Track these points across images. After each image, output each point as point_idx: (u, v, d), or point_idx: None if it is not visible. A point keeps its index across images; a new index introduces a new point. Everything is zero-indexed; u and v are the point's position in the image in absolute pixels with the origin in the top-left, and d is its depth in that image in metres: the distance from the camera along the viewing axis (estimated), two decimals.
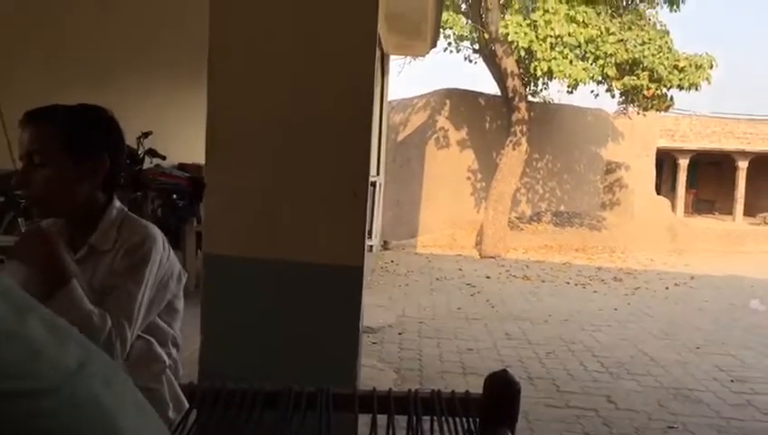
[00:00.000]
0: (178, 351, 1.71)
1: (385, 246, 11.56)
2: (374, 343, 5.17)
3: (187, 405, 1.66)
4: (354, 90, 2.47)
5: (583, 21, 10.55)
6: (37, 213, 1.63)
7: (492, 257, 11.19)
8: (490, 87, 14.07)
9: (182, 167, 6.99)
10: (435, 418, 1.75)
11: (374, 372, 4.29)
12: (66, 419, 0.80)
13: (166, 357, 1.60)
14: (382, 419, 1.73)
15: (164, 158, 6.30)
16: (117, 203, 1.63)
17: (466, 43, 13.15)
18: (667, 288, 8.87)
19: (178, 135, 6.97)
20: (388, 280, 8.32)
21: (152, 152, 6.11)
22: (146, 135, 6.05)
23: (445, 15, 10.51)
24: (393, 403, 1.76)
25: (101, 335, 1.43)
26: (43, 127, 1.54)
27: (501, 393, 1.75)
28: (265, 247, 2.45)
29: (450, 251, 11.95)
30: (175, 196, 6.42)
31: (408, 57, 12.37)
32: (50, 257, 1.45)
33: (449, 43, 12.97)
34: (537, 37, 10.51)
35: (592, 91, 11.95)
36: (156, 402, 1.58)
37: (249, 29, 2.46)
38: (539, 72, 10.83)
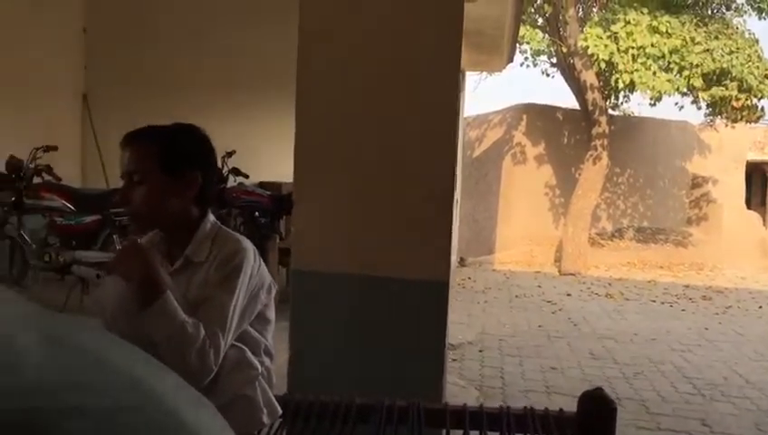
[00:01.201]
0: (271, 360, 1.75)
1: (462, 262, 11.50)
2: (454, 359, 5.14)
3: (280, 411, 1.70)
4: (439, 106, 2.49)
5: (667, 31, 10.27)
6: (137, 228, 1.72)
7: (572, 274, 10.95)
8: (568, 101, 13.84)
9: (263, 185, 7.18)
10: None
11: (456, 389, 4.26)
12: None
13: (258, 365, 1.65)
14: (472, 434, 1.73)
15: (247, 176, 6.49)
16: (211, 217, 1.71)
17: (543, 58, 13.01)
18: (760, 307, 8.46)
19: (260, 155, 7.18)
20: (466, 297, 8.26)
21: (236, 171, 6.31)
22: (230, 154, 6.25)
23: (522, 30, 10.43)
24: (486, 419, 1.75)
25: (195, 344, 1.50)
26: (141, 147, 1.64)
27: (596, 412, 1.72)
28: (352, 263, 2.49)
29: (528, 268, 11.76)
30: (257, 213, 6.58)
31: (484, 73, 12.34)
32: (145, 271, 1.53)
33: (526, 58, 12.86)
34: (618, 49, 10.29)
35: (677, 104, 11.59)
36: (249, 408, 1.63)
37: (335, 51, 2.52)
38: (620, 85, 10.58)
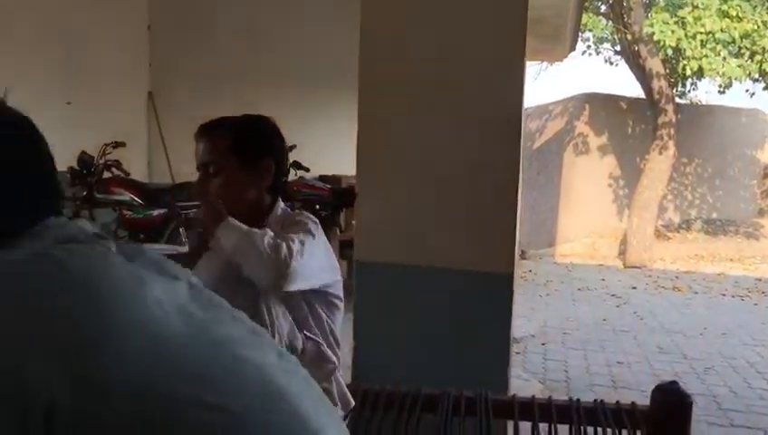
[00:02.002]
0: (339, 349, 1.77)
1: (522, 255, 11.35)
2: (517, 352, 5.08)
3: (353, 403, 1.70)
4: (504, 97, 2.45)
5: (737, 15, 9.87)
6: None
7: (637, 267, 10.69)
8: (632, 90, 13.49)
9: (323, 178, 7.24)
10: (599, 429, 1.69)
11: (519, 383, 4.21)
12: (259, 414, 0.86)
13: (335, 358, 1.66)
14: (526, 428, 1.70)
15: (308, 170, 6.56)
16: (281, 203, 1.73)
17: (607, 45, 12.70)
18: None
19: (320, 148, 7.24)
20: (527, 290, 8.16)
21: (297, 164, 6.38)
22: (290, 148, 6.31)
23: (584, 17, 10.20)
24: (555, 412, 1.72)
25: (265, 237, 1.56)
26: (216, 138, 1.67)
27: (671, 406, 1.66)
28: (416, 255, 2.48)
29: (591, 260, 11.52)
30: (317, 206, 6.65)
31: (544, 62, 12.13)
32: (209, 207, 1.64)
33: (588, 46, 12.58)
34: (686, 35, 9.94)
35: (747, 90, 11.16)
36: None
37: (398, 43, 2.51)
38: (688, 72, 10.24)
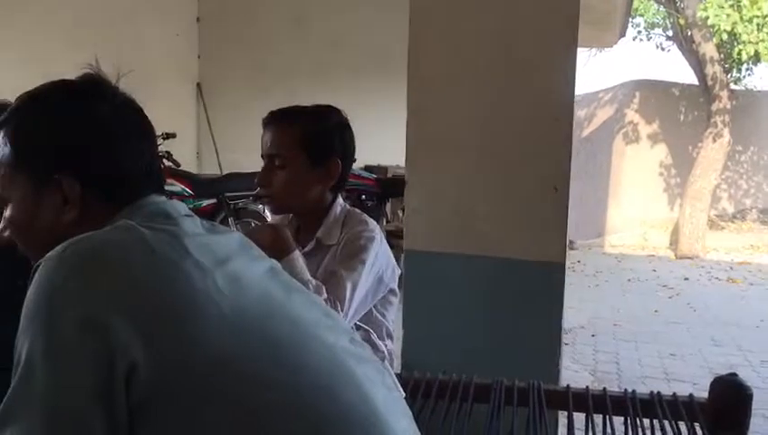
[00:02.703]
0: (392, 342, 1.76)
1: (570, 245, 11.19)
2: (566, 343, 5.01)
3: (403, 393, 1.70)
4: (555, 85, 2.41)
5: None
6: (272, 210, 1.77)
7: (689, 258, 10.44)
8: (684, 76, 13.14)
9: (369, 169, 7.25)
10: (655, 421, 1.66)
11: (568, 374, 4.16)
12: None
13: (384, 348, 1.66)
14: (580, 419, 1.68)
15: (355, 160, 6.56)
16: (341, 200, 1.73)
17: (658, 31, 12.38)
18: None
19: (365, 139, 7.22)
20: (576, 280, 8.04)
21: None
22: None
23: (635, 2, 9.97)
24: (610, 403, 1.70)
25: (322, 296, 1.52)
26: (285, 130, 1.65)
27: (730, 398, 1.63)
28: (465, 243, 2.47)
29: (641, 251, 11.30)
30: (363, 196, 6.66)
31: (593, 48, 11.90)
32: (276, 235, 1.57)
33: (639, 32, 12.29)
34: (741, 18, 9.63)
35: None
36: None
37: (447, 31, 2.48)
38: (743, 57, 9.92)
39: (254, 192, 5.74)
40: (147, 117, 1.08)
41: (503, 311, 2.46)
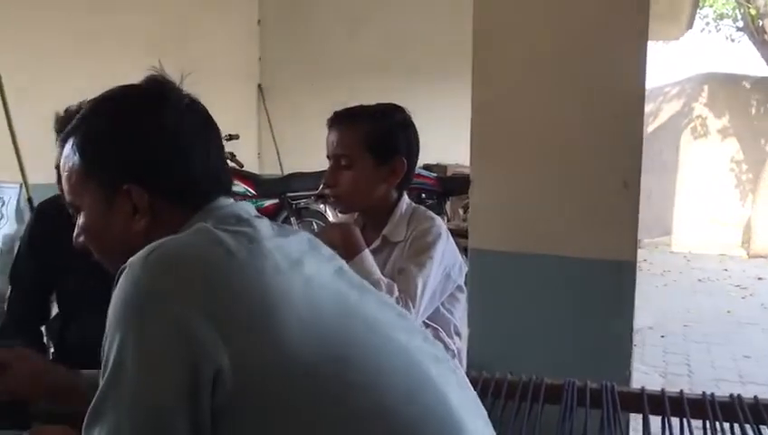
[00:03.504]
0: (460, 340, 1.74)
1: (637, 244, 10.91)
2: (634, 344, 4.88)
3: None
4: (626, 78, 2.34)
5: None
6: (340, 209, 1.78)
7: (763, 257, 10.04)
8: (755, 68, 12.65)
9: (427, 167, 7.24)
10: (735, 425, 1.59)
11: (637, 375, 4.03)
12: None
13: (453, 346, 1.65)
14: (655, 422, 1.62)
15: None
16: (406, 198, 1.73)
17: (728, 22, 11.96)
18: None
19: (423, 137, 7.21)
20: (643, 280, 7.80)
21: None
22: None
23: None
24: (687, 406, 1.63)
25: (393, 294, 1.52)
26: (351, 130, 1.66)
27: None
28: (532, 242, 2.42)
29: (711, 250, 10.92)
30: (423, 195, 6.64)
31: (659, 42, 11.58)
32: (346, 234, 1.57)
33: (707, 23, 11.90)
34: None
35: None
36: None
37: (513, 23, 2.44)
38: None
39: (317, 192, 5.81)
40: (212, 118, 1.07)
41: (570, 311, 2.40)
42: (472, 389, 1.01)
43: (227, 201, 1.01)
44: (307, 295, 0.86)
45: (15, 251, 2.34)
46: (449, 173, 7.35)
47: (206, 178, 1.00)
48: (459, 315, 1.77)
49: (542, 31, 2.40)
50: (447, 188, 6.52)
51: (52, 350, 2.12)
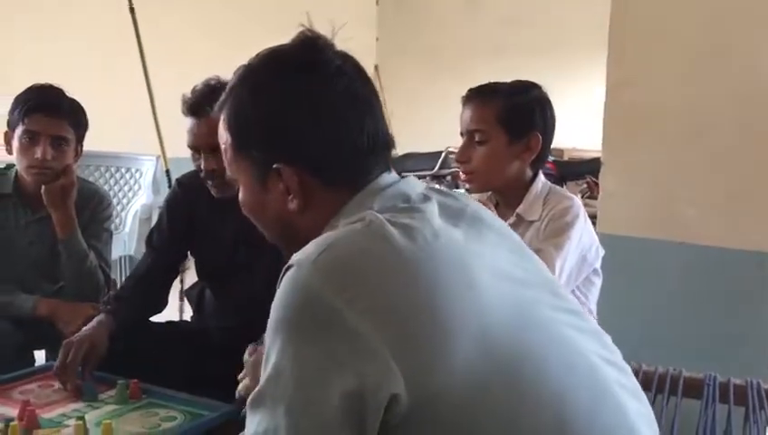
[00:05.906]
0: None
1: None
2: None
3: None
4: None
5: None
6: (472, 187, 1.77)
7: None
8: None
9: None
10: None
11: None
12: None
13: None
14: None
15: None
16: (542, 177, 1.69)
17: None
18: None
19: None
20: None
21: None
22: None
23: None
24: None
25: None
26: (485, 106, 1.65)
27: None
28: (668, 229, 2.32)
29: None
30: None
31: None
32: None
33: None
34: None
35: None
36: None
37: (651, 1, 2.34)
38: None
39: (432, 172, 5.78)
40: (369, 80, 0.98)
41: (708, 303, 2.28)
42: (645, 398, 0.92)
43: (391, 178, 0.93)
44: (479, 307, 0.78)
45: (153, 220, 2.48)
46: (566, 157, 7.19)
47: (360, 154, 0.92)
48: (594, 300, 1.72)
49: (683, 6, 2.28)
50: (565, 172, 6.37)
51: (191, 314, 2.25)
